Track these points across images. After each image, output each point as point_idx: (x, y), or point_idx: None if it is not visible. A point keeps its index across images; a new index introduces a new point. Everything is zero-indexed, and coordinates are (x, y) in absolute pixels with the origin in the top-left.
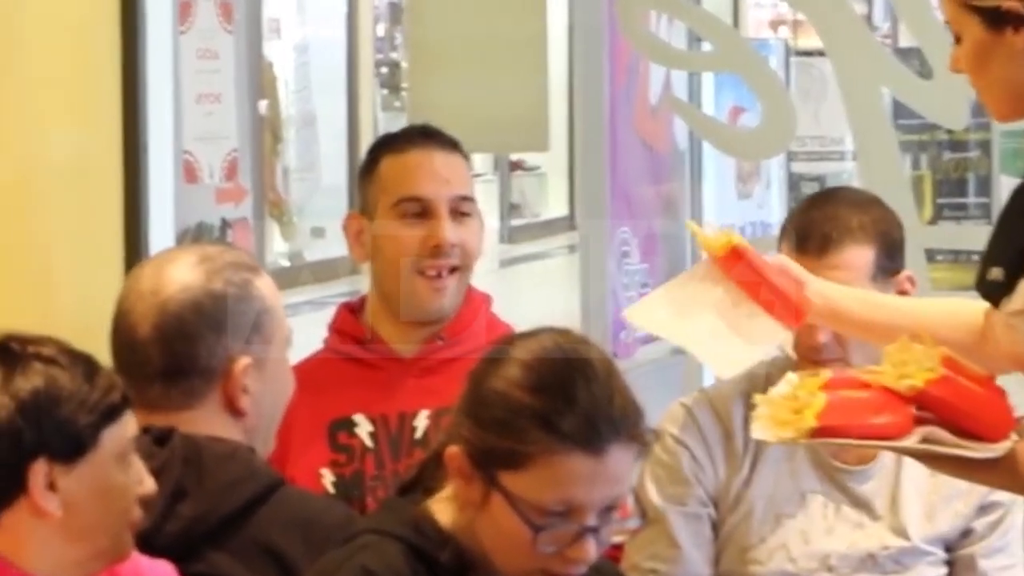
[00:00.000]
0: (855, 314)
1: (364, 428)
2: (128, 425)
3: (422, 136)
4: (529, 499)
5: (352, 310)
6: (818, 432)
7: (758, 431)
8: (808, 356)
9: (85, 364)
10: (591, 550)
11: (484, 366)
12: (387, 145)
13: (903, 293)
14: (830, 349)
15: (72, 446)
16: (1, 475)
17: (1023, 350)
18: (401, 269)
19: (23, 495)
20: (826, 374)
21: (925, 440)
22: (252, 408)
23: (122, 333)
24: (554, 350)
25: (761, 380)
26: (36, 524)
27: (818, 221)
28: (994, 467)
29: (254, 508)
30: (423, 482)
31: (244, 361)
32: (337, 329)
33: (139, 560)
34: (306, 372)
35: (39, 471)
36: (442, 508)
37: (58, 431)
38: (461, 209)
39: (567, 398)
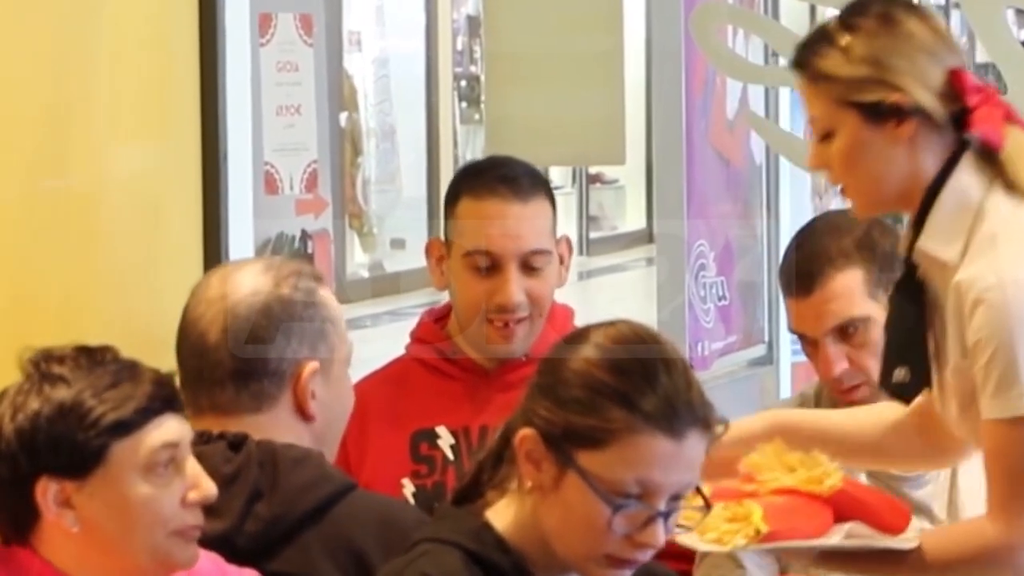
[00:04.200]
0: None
1: (446, 441)
2: (149, 437)
3: (502, 183)
4: (607, 478)
5: (435, 319)
6: (768, 536)
7: (703, 544)
8: (834, 388)
9: (107, 378)
10: (661, 535)
11: (561, 349)
12: (469, 181)
13: None
14: (850, 376)
15: (76, 463)
16: (11, 497)
17: (976, 437)
18: (471, 315)
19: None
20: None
21: (849, 535)
22: (320, 414)
23: (191, 340)
24: (632, 336)
25: (811, 401)
26: (65, 539)
27: (798, 262)
28: (903, 560)
29: (330, 507)
30: (479, 488)
31: (312, 366)
32: (419, 338)
33: (226, 569)
34: (387, 378)
35: (46, 489)
36: (499, 516)
37: (54, 449)
38: (533, 264)
39: (649, 380)
